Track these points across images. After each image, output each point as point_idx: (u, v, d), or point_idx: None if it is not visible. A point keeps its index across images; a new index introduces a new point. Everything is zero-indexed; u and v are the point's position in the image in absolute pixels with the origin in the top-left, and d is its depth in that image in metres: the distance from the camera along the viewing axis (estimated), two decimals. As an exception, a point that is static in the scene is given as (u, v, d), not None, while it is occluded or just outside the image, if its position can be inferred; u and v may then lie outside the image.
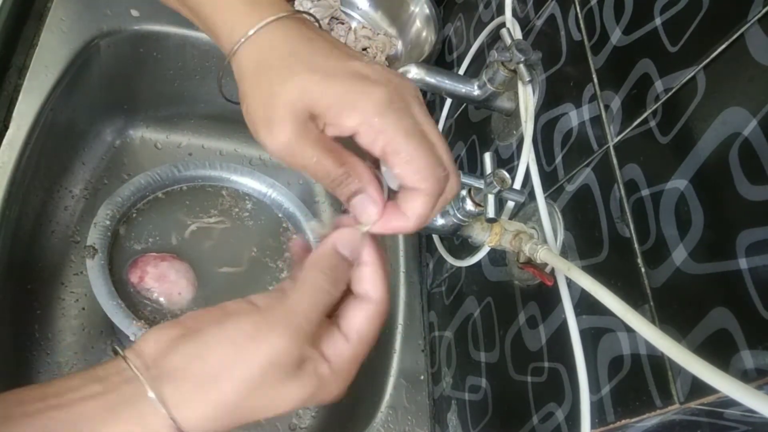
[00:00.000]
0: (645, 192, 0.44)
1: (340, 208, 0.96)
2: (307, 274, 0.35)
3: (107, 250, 0.69)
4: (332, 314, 0.36)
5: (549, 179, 0.57)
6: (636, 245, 0.44)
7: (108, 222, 0.71)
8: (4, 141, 0.68)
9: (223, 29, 0.37)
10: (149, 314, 0.72)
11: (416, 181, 0.34)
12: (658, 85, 0.45)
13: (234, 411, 0.32)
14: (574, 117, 0.55)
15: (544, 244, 0.51)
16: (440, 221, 0.52)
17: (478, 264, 0.65)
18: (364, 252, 0.36)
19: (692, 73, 0.42)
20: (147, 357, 0.32)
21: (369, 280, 0.36)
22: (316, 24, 0.39)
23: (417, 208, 0.35)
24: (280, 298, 0.34)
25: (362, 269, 0.36)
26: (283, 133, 0.34)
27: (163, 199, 0.82)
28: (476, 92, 0.64)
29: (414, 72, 0.62)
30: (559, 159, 0.56)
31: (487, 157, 0.51)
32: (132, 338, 0.64)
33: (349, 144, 0.36)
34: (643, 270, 0.43)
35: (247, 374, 0.31)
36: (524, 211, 0.59)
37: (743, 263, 0.35)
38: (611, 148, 0.49)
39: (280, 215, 0.87)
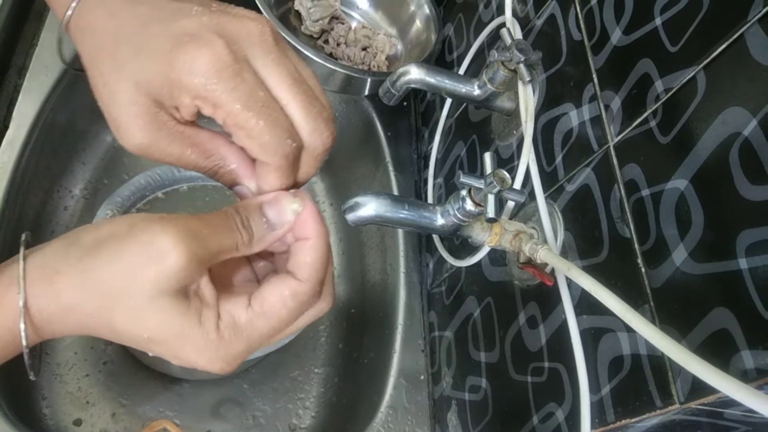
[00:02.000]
0: (645, 192, 0.44)
1: (340, 208, 0.97)
2: (225, 209, 0.31)
3: None
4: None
5: (549, 179, 0.56)
6: (636, 245, 0.44)
7: None
8: (4, 141, 0.68)
9: None
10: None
11: (263, 157, 0.31)
12: (659, 85, 0.45)
13: (87, 301, 0.28)
14: (574, 117, 0.54)
15: (544, 244, 0.51)
16: (440, 221, 0.52)
17: (478, 264, 0.65)
18: (305, 228, 0.32)
19: (692, 73, 0.42)
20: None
21: (299, 260, 0.32)
22: None
23: (271, 183, 0.32)
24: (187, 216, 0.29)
25: (296, 246, 0.33)
26: (134, 135, 0.30)
27: (163, 199, 0.82)
28: (476, 92, 0.64)
29: (414, 72, 0.62)
30: (559, 159, 0.56)
31: (487, 157, 0.51)
32: None
33: None
34: (643, 270, 0.43)
35: (115, 266, 0.27)
36: (524, 211, 0.59)
37: (743, 263, 0.35)
38: (611, 148, 0.49)
39: None
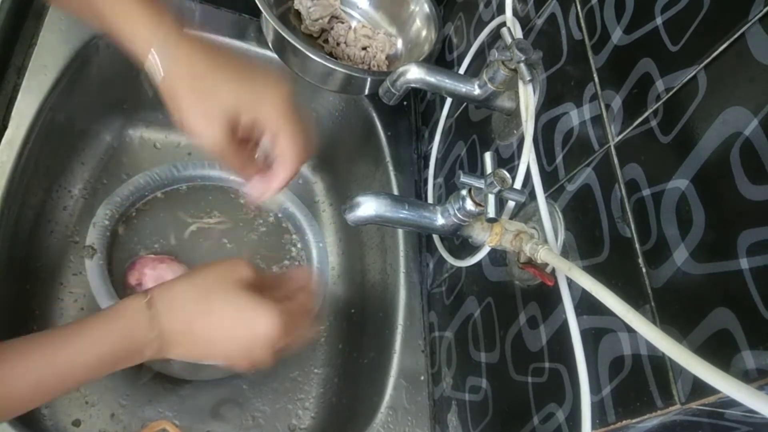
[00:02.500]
0: (646, 192, 0.44)
1: (340, 208, 0.96)
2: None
3: (106, 250, 0.69)
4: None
5: (549, 179, 0.56)
6: (637, 245, 0.44)
7: (107, 222, 0.71)
8: (3, 140, 0.68)
9: (136, 40, 0.46)
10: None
11: (291, 156, 0.50)
12: (659, 85, 0.45)
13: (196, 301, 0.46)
14: (574, 116, 0.54)
15: (545, 244, 0.51)
16: (440, 221, 0.52)
17: (479, 264, 0.65)
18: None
19: (693, 73, 0.42)
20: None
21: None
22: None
23: (286, 172, 0.51)
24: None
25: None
26: (217, 129, 0.45)
27: (163, 199, 0.82)
28: (477, 92, 0.63)
29: (414, 71, 0.62)
30: (559, 159, 0.56)
31: (488, 157, 0.51)
32: None
33: None
34: (644, 270, 0.43)
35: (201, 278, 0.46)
36: (525, 211, 0.59)
37: (744, 263, 0.35)
38: (612, 147, 0.49)
39: (279, 215, 0.87)
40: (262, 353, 0.47)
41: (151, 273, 0.72)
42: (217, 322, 0.45)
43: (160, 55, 0.44)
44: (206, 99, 0.44)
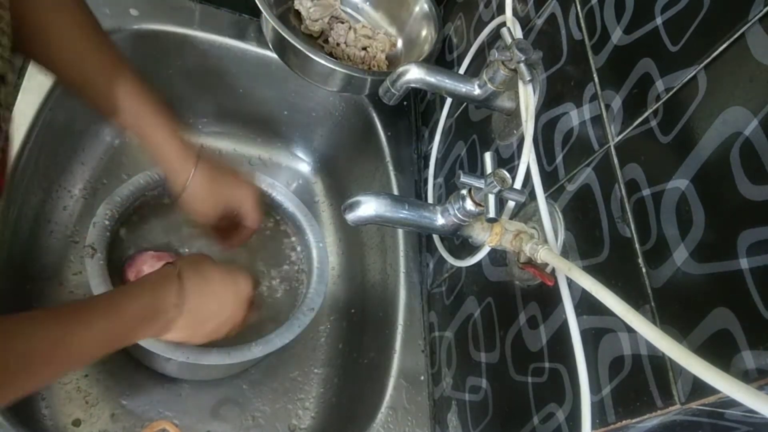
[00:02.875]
0: (646, 192, 0.44)
1: (341, 208, 0.96)
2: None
3: (106, 249, 0.69)
4: None
5: (549, 179, 0.56)
6: (637, 245, 0.44)
7: (107, 222, 0.71)
8: (4, 141, 0.68)
9: (171, 173, 0.66)
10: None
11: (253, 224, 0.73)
12: (659, 85, 0.45)
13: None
14: (574, 116, 0.54)
15: (545, 244, 0.51)
16: (440, 221, 0.52)
17: (479, 264, 0.65)
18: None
19: (693, 73, 0.42)
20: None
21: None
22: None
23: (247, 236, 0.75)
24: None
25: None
26: (213, 216, 0.69)
27: (163, 198, 0.82)
28: (477, 92, 0.63)
29: (414, 71, 0.62)
30: (559, 159, 0.56)
31: (488, 157, 0.51)
32: None
33: None
34: (644, 270, 0.43)
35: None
36: (525, 211, 0.59)
37: (744, 263, 0.35)
38: (612, 147, 0.49)
39: (278, 217, 0.86)
40: (241, 303, 0.64)
41: (150, 270, 0.72)
42: (212, 284, 0.62)
43: (181, 173, 0.65)
44: (213, 197, 0.67)
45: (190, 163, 0.64)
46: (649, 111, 0.45)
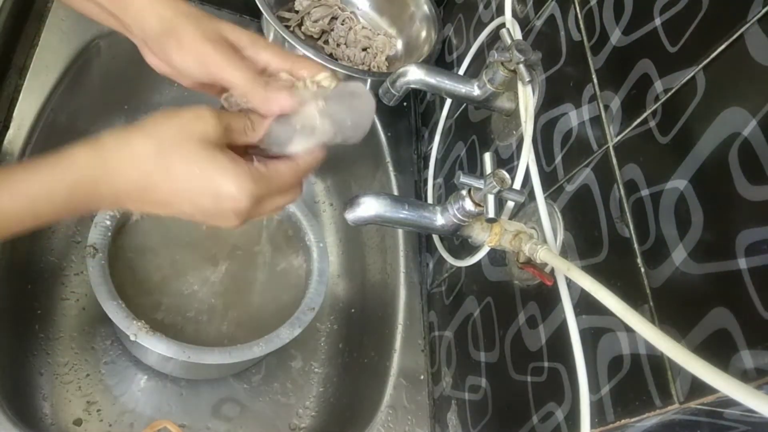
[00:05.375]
0: (644, 192, 0.44)
1: (341, 208, 0.97)
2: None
3: (108, 249, 0.69)
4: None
5: (549, 179, 0.57)
6: (636, 245, 0.45)
7: (108, 222, 0.71)
8: (5, 141, 0.68)
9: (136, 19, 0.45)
10: (149, 314, 0.72)
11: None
12: (658, 86, 0.45)
13: (151, 166, 0.39)
14: (573, 117, 0.55)
15: (544, 244, 0.51)
16: (440, 221, 0.52)
17: (478, 264, 0.65)
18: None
19: (692, 74, 0.42)
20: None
21: (300, 156, 0.45)
22: None
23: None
24: None
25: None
26: (223, 47, 0.44)
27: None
28: (476, 92, 0.64)
29: (414, 72, 0.62)
30: (558, 159, 0.56)
31: (487, 157, 0.51)
32: (132, 338, 0.64)
33: None
34: (642, 270, 0.43)
35: (157, 133, 0.40)
36: (524, 211, 0.59)
37: (743, 263, 0.35)
38: (611, 148, 0.49)
39: (278, 217, 0.87)
40: (227, 220, 0.42)
41: None
42: (177, 182, 0.40)
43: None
44: (208, 26, 0.45)
45: (161, 1, 0.44)
46: (648, 112, 0.46)
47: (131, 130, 0.40)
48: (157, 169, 0.39)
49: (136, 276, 0.75)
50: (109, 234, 0.71)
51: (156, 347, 0.64)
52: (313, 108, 0.44)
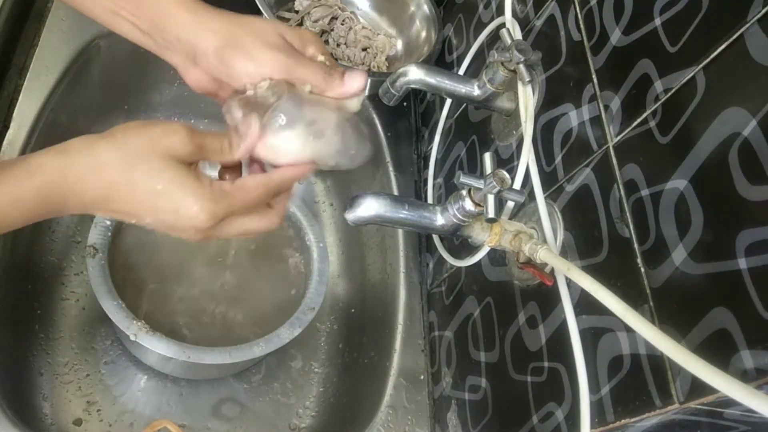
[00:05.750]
0: (644, 192, 0.44)
1: (341, 208, 0.97)
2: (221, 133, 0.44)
3: (108, 249, 0.69)
4: None
5: (549, 179, 0.57)
6: (636, 245, 0.45)
7: (108, 222, 0.71)
8: (5, 141, 0.68)
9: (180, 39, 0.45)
10: (149, 314, 0.72)
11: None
12: (658, 86, 0.45)
13: (115, 175, 0.39)
14: (573, 117, 0.55)
15: (544, 244, 0.51)
16: (440, 221, 0.52)
17: (478, 264, 0.65)
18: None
19: (692, 74, 0.42)
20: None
21: (275, 170, 0.44)
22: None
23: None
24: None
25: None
26: (289, 47, 0.45)
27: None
28: (476, 92, 0.64)
29: (414, 72, 0.62)
30: (558, 159, 0.56)
31: (487, 157, 0.51)
32: (132, 338, 0.64)
33: None
34: (642, 270, 0.43)
35: (125, 143, 0.39)
36: (524, 211, 0.59)
37: (743, 263, 0.35)
38: (611, 148, 0.49)
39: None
40: (188, 235, 0.42)
41: None
42: (138, 195, 0.40)
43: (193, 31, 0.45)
44: (272, 29, 0.45)
45: (206, 16, 0.44)
46: (648, 111, 0.46)
47: (99, 138, 0.40)
48: (121, 180, 0.39)
49: (136, 276, 0.75)
50: (109, 234, 0.71)
51: (156, 347, 0.64)
52: (333, 115, 0.45)
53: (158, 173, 0.39)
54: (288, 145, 0.44)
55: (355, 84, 0.46)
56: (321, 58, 0.47)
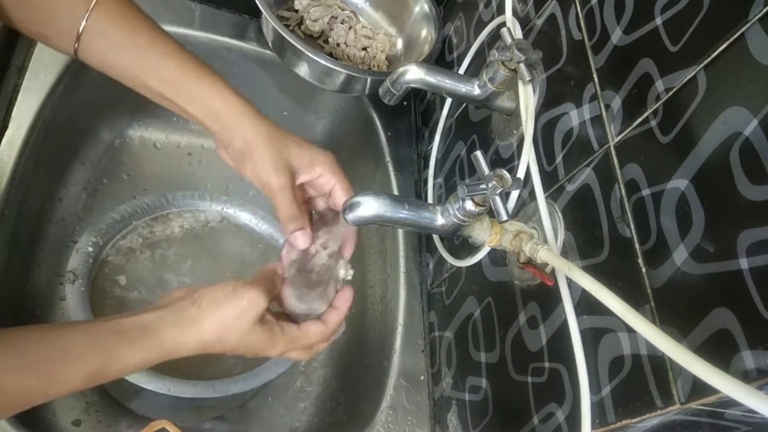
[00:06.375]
0: (646, 192, 0.44)
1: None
2: (268, 270, 0.55)
3: (88, 276, 0.68)
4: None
5: (549, 179, 0.56)
6: (637, 245, 0.44)
7: (90, 248, 0.70)
8: (4, 141, 0.68)
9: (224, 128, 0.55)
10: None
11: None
12: (659, 85, 0.45)
13: (214, 340, 0.49)
14: (574, 116, 0.54)
15: (545, 244, 0.51)
16: (440, 221, 0.52)
17: (479, 264, 0.65)
18: (341, 301, 0.55)
19: (693, 73, 0.42)
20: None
21: (331, 317, 0.54)
22: None
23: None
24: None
25: (332, 309, 0.55)
26: (283, 177, 0.53)
27: (149, 226, 0.81)
28: (476, 92, 0.64)
29: (414, 71, 0.62)
30: (559, 159, 0.56)
31: (479, 157, 0.50)
32: None
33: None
34: (643, 270, 0.43)
35: (221, 318, 0.49)
36: (525, 210, 0.59)
37: (744, 263, 0.35)
38: (612, 147, 0.49)
39: (268, 243, 0.86)
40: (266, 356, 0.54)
41: None
42: (231, 347, 0.51)
43: (239, 121, 0.55)
44: (277, 154, 0.54)
45: (248, 113, 0.55)
46: (649, 111, 0.45)
47: (203, 318, 0.49)
48: (217, 348, 0.51)
49: (118, 302, 0.74)
50: (91, 261, 0.70)
51: (137, 380, 0.63)
52: (332, 287, 0.56)
53: (247, 335, 0.50)
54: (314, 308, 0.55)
55: (295, 243, 0.56)
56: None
